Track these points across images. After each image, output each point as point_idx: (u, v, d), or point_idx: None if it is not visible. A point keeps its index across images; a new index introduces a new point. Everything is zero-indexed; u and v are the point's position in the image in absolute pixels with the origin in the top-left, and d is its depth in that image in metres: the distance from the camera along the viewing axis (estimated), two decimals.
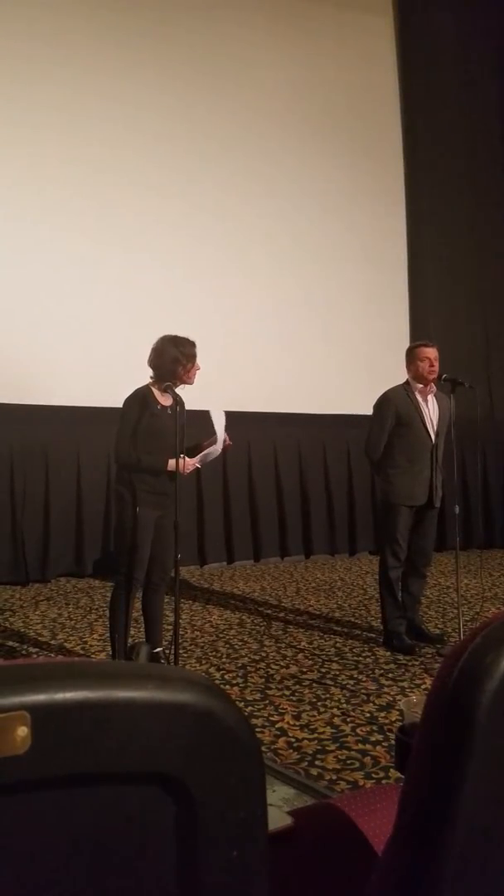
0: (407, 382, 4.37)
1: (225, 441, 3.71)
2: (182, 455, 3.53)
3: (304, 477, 7.55)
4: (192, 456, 3.68)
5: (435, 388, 4.37)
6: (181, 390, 3.60)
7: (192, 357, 3.61)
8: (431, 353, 4.31)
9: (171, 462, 3.52)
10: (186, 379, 3.63)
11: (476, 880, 0.76)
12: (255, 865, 0.61)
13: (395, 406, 4.27)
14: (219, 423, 3.65)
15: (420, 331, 7.89)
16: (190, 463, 3.65)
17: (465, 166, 8.63)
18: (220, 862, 0.59)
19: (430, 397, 4.33)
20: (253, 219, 7.39)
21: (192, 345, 3.64)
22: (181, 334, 3.68)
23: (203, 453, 3.70)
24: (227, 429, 3.70)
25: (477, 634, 0.76)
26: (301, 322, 7.53)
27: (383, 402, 4.34)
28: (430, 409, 4.31)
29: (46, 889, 0.54)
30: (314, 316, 7.62)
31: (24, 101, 6.43)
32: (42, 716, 0.51)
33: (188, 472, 3.66)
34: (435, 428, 4.29)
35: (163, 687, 0.56)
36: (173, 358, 3.57)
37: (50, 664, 0.56)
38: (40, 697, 0.52)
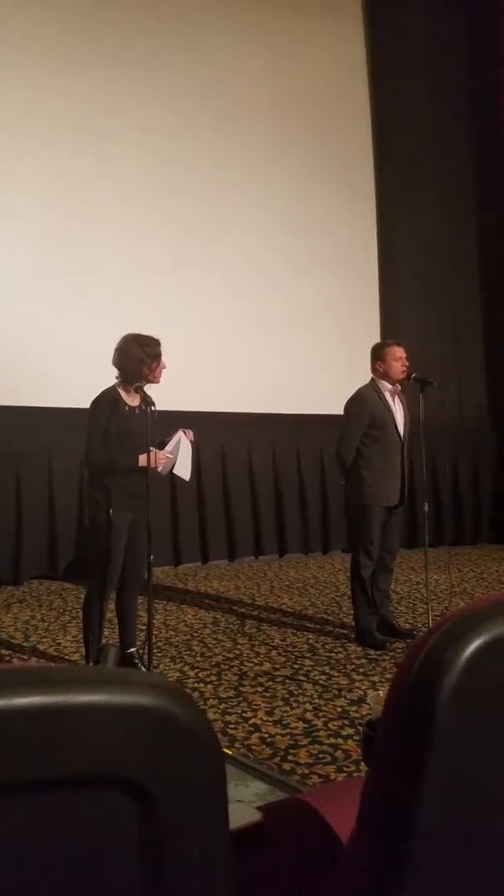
0: (373, 381, 4.39)
1: (188, 438, 3.74)
2: (152, 449, 3.52)
3: (278, 476, 7.57)
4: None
5: (399, 387, 4.40)
6: (149, 389, 3.59)
7: (157, 356, 3.59)
8: (403, 352, 4.36)
9: (143, 457, 3.50)
10: (152, 378, 3.61)
11: (438, 873, 0.77)
12: (217, 863, 0.62)
13: (369, 407, 4.29)
14: (177, 446, 3.71)
15: (391, 331, 7.95)
16: (161, 455, 3.63)
17: (435, 171, 8.71)
18: (183, 861, 0.60)
19: (396, 397, 4.37)
20: (229, 223, 7.39)
21: (157, 343, 3.61)
22: (151, 333, 3.66)
23: (172, 442, 3.70)
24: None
25: (436, 630, 0.78)
26: (274, 324, 7.55)
27: (357, 403, 4.34)
28: (397, 410, 4.35)
29: (9, 894, 0.55)
30: (287, 318, 7.64)
31: (20, 106, 6.38)
32: (0, 721, 0.52)
33: (161, 463, 3.64)
34: (402, 428, 4.33)
35: (123, 690, 0.57)
36: (138, 358, 3.55)
37: (6, 669, 0.56)
38: None
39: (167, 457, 3.69)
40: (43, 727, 0.53)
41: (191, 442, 3.79)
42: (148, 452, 3.48)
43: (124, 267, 6.76)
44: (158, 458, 3.60)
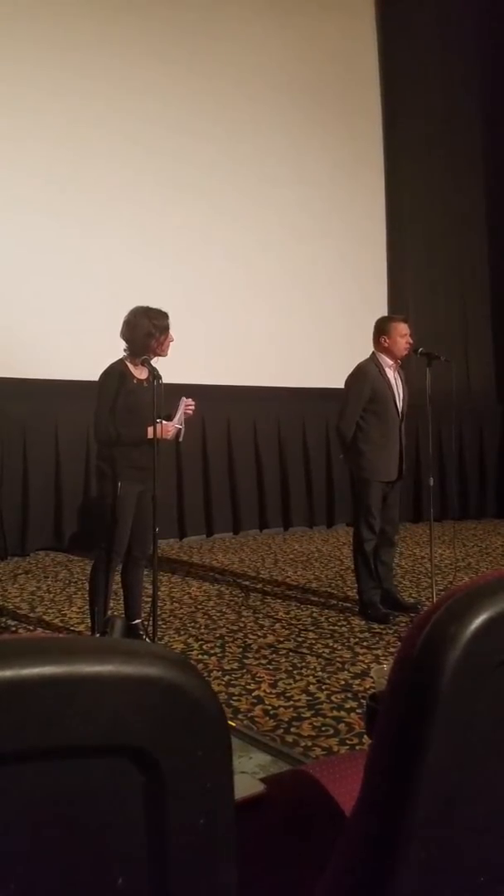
0: (374, 355, 4.37)
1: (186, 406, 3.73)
2: (160, 420, 3.52)
3: (283, 450, 7.57)
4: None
5: (400, 362, 4.40)
6: (156, 362, 3.58)
7: (164, 329, 3.58)
8: (408, 329, 4.35)
9: (151, 430, 3.51)
10: (160, 351, 3.60)
11: (439, 846, 0.78)
12: (222, 832, 0.63)
13: (371, 382, 4.28)
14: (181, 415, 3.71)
15: (398, 304, 7.90)
16: (169, 425, 3.63)
17: (444, 140, 8.60)
18: (188, 830, 0.61)
19: (396, 372, 4.36)
20: (234, 195, 7.32)
21: (165, 316, 3.60)
22: (158, 306, 3.65)
23: (178, 413, 3.70)
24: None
25: (441, 605, 0.78)
26: (280, 296, 7.51)
27: (360, 378, 4.32)
28: (397, 385, 4.34)
29: (15, 863, 0.55)
30: (293, 290, 7.59)
31: (16, 83, 6.29)
32: (8, 691, 0.52)
33: (170, 434, 3.64)
34: (401, 404, 4.33)
35: (129, 661, 0.57)
36: (146, 331, 3.54)
37: (15, 640, 0.56)
38: (6, 673, 0.52)
39: (176, 427, 3.68)
40: (50, 697, 0.54)
41: (190, 411, 3.77)
42: (154, 424, 3.48)
43: (128, 240, 6.71)
44: (166, 430, 3.60)
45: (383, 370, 4.30)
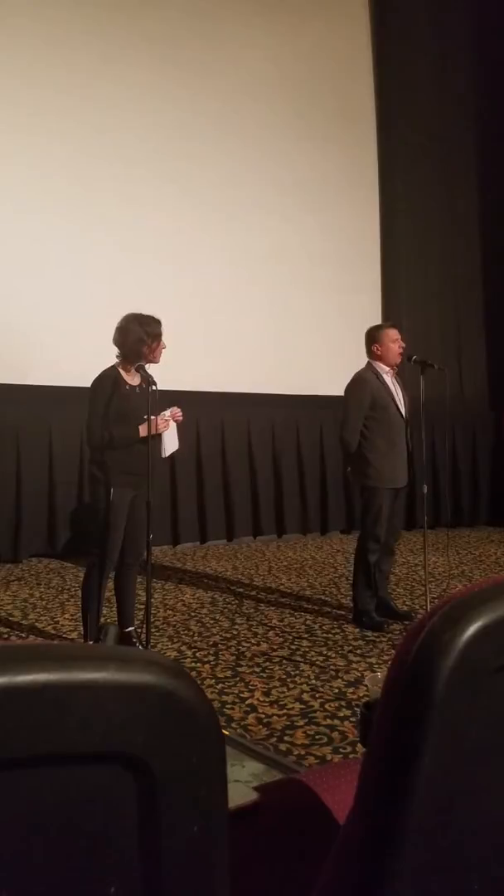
0: (370, 364, 4.38)
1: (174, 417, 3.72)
2: (152, 417, 3.51)
3: (277, 457, 7.57)
4: None
5: (396, 368, 4.42)
6: (150, 368, 3.58)
7: (156, 336, 3.58)
8: (398, 334, 4.37)
9: (143, 428, 3.51)
10: (152, 358, 3.60)
11: (433, 854, 0.78)
12: (215, 840, 0.63)
13: (370, 389, 4.28)
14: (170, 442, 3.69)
15: (392, 312, 7.93)
16: (160, 420, 3.60)
17: (438, 148, 8.65)
18: (182, 837, 0.61)
19: (393, 378, 4.38)
20: (231, 200, 7.34)
21: (158, 323, 3.60)
22: (152, 313, 3.65)
23: (170, 410, 3.69)
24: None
25: (435, 612, 0.78)
26: (275, 302, 7.52)
27: (358, 386, 4.33)
28: (397, 391, 4.35)
29: (9, 870, 0.55)
30: (288, 296, 7.61)
31: (17, 81, 6.30)
32: (2, 698, 0.52)
33: (161, 428, 3.62)
34: (403, 409, 4.34)
35: (124, 668, 0.57)
36: (137, 337, 3.54)
37: (10, 647, 0.56)
38: (0, 680, 0.52)
39: (165, 420, 3.66)
40: (44, 704, 0.53)
41: (176, 419, 3.75)
42: (148, 421, 3.47)
43: (123, 246, 6.72)
44: (158, 425, 3.58)
45: (381, 377, 4.31)
